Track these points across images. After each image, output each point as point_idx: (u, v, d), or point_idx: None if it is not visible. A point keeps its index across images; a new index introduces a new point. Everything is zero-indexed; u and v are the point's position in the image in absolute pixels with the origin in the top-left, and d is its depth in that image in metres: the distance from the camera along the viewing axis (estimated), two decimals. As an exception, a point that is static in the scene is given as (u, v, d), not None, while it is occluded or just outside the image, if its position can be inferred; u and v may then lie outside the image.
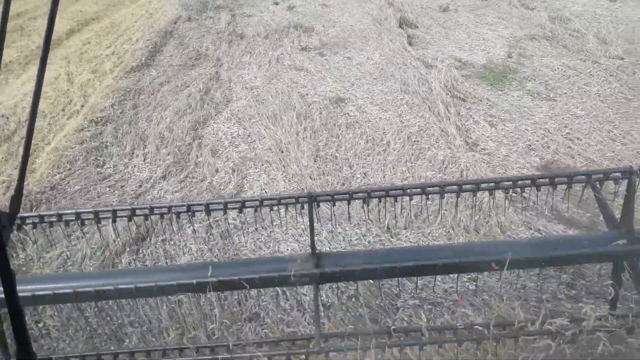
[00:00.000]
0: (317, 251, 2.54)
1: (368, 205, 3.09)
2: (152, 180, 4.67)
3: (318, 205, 2.76)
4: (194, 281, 2.43)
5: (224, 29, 9.34)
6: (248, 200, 2.60)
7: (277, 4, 11.06)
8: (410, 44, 7.89)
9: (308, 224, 2.53)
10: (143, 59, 7.79)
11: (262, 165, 4.79)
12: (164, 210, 2.63)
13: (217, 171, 4.77)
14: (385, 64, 7.11)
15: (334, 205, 2.68)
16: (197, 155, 5.01)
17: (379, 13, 9.60)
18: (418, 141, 5.07)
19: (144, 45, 8.48)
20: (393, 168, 4.63)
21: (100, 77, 7.29)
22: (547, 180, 2.59)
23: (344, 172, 4.62)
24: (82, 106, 6.32)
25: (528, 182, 2.60)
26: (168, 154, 5.03)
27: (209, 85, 6.81)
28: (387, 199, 2.63)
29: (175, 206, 2.63)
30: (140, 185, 4.63)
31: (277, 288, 3.04)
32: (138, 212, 2.64)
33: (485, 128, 5.16)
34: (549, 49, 7.24)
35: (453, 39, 7.99)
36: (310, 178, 4.52)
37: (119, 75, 7.23)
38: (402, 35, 8.19)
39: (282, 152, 5.00)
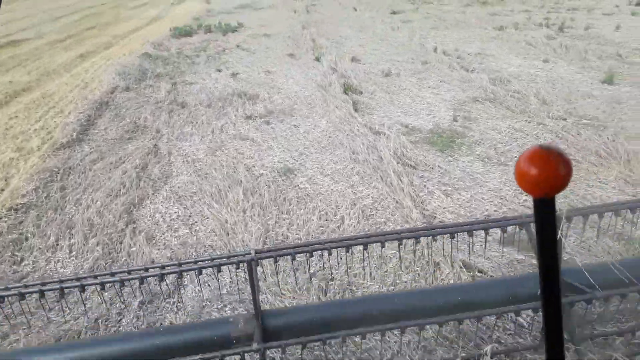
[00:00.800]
0: (261, 311, 2.44)
1: (309, 259, 3.15)
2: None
3: (257, 264, 2.66)
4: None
5: (164, 98, 8.99)
6: (184, 263, 2.54)
7: (219, 70, 10.89)
8: (356, 110, 7.80)
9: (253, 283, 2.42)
10: (74, 133, 7.26)
11: (205, 251, 4.32)
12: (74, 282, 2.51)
13: (152, 262, 4.26)
14: (332, 132, 6.93)
15: (276, 262, 2.69)
16: (130, 244, 4.48)
17: (322, 79, 9.57)
18: (373, 215, 4.78)
19: (77, 118, 7.96)
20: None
21: (25, 155, 6.68)
22: (481, 225, 2.74)
23: (298, 255, 4.22)
24: (2, 190, 5.68)
25: (466, 227, 2.75)
26: (97, 244, 4.48)
27: (147, 160, 6.36)
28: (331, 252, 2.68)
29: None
30: (64, 283, 4.03)
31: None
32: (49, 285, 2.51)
33: (440, 198, 4.95)
34: (493, 111, 7.30)
35: (398, 104, 7.97)
36: (260, 265, 4.09)
37: (47, 152, 6.65)
38: (347, 101, 8.11)
39: (228, 234, 4.57)
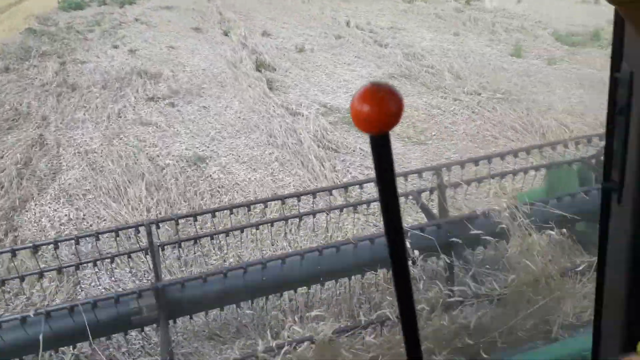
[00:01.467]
0: (161, 282, 2.44)
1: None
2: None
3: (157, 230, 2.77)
4: None
5: (51, 80, 7.93)
6: (82, 237, 2.65)
7: (116, 47, 9.86)
8: (271, 88, 7.31)
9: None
10: (-63, 124, 6.17)
11: (103, 263, 3.72)
12: None
13: (41, 276, 3.60)
14: (247, 113, 6.42)
15: (177, 232, 2.90)
16: (10, 258, 3.76)
17: (233, 55, 8.94)
18: (296, 206, 4.39)
19: (-59, 106, 6.79)
20: (273, 245, 3.88)
21: None
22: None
23: (213, 259, 3.76)
24: None
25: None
26: (-33, 262, 3.72)
27: (30, 153, 5.49)
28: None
29: None
30: None
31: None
32: None
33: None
34: (409, 87, 7.14)
35: (314, 82, 7.59)
36: (170, 273, 3.58)
37: None
38: (260, 79, 7.58)
39: (130, 238, 3.98)
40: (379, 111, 0.49)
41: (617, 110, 0.55)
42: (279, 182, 4.77)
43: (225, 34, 10.56)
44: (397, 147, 5.47)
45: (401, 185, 3.43)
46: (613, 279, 0.67)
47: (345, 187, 3.55)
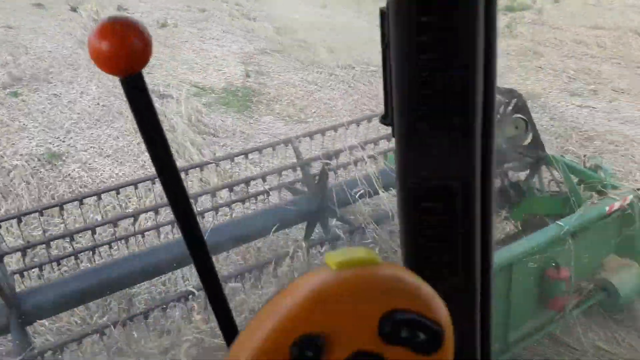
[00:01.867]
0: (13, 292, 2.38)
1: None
2: None
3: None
4: None
5: None
6: None
7: (75, 10, 8.34)
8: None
9: None
10: None
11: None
12: None
13: None
14: (106, 98, 5.75)
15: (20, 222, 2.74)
16: None
17: (84, 34, 7.96)
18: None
19: None
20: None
21: None
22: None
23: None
24: None
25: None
26: None
27: None
28: None
29: None
30: None
31: None
32: None
33: (249, 169, 4.40)
34: (283, 63, 6.93)
35: (181, 60, 7.04)
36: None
37: None
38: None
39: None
40: (122, 47, 0.43)
41: (384, 45, 0.53)
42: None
43: (74, 9, 9.39)
44: (278, 127, 5.27)
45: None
46: (400, 219, 0.64)
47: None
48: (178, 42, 7.72)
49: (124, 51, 0.44)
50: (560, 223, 2.77)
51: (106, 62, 0.44)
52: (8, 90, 5.98)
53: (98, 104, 5.67)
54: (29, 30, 8.29)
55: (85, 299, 2.82)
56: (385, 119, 0.57)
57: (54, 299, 2.57)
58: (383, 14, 0.52)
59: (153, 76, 6.42)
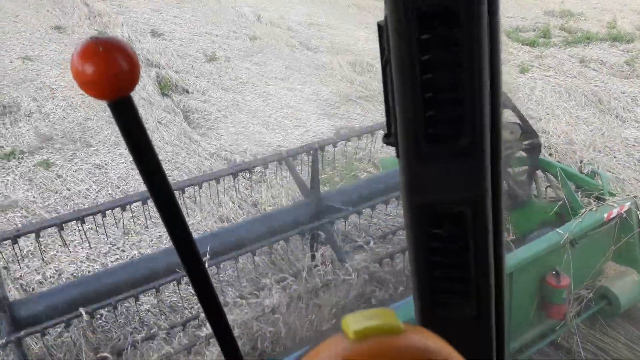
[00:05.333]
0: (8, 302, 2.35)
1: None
2: None
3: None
4: None
5: None
6: None
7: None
8: (190, 124, 5.27)
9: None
10: None
11: None
12: None
13: None
14: (171, 172, 4.38)
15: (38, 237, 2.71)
16: None
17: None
18: None
19: None
20: None
21: None
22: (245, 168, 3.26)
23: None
24: None
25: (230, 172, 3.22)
26: None
27: None
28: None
29: None
30: None
31: None
32: None
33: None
34: (377, 115, 5.57)
35: (248, 111, 5.67)
36: None
37: None
38: (172, 109, 5.48)
39: None
40: (107, 71, 0.40)
41: (384, 61, 0.50)
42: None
43: (101, 35, 8.03)
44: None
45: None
46: (408, 240, 0.60)
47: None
48: (236, 83, 6.35)
49: (111, 74, 0.40)
50: (559, 230, 2.74)
51: (91, 85, 0.40)
52: (37, 157, 4.61)
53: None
54: (51, 62, 6.94)
55: (77, 308, 2.60)
56: (388, 139, 0.55)
57: (46, 307, 2.51)
58: (381, 28, 0.50)
59: (220, 137, 5.06)
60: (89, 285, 2.69)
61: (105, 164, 4.52)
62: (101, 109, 5.54)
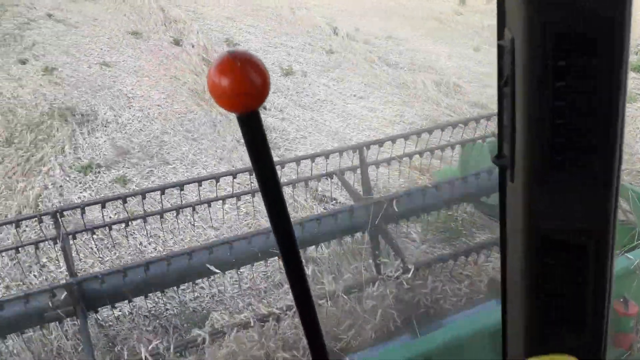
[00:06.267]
0: (77, 277, 2.40)
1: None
2: None
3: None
4: None
5: None
6: None
7: (24, 62, 7.04)
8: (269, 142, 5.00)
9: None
10: None
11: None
12: None
13: None
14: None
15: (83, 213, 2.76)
16: None
17: (195, 80, 6.47)
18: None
19: None
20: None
21: None
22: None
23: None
24: None
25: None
26: None
27: None
28: None
29: None
30: None
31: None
32: None
33: None
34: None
35: (327, 130, 5.35)
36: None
37: None
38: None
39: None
40: (242, 86, 0.43)
41: (503, 81, 0.51)
42: None
43: (177, 42, 7.98)
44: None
45: (322, 163, 3.46)
46: (513, 267, 0.60)
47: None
48: (314, 101, 6.06)
49: (244, 89, 0.43)
50: (629, 255, 2.58)
51: (226, 99, 0.43)
52: (113, 172, 4.46)
53: (247, 213, 4.03)
54: (128, 69, 6.88)
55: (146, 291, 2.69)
56: (499, 160, 0.54)
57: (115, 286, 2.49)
58: (502, 48, 0.50)
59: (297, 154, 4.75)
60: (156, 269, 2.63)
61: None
62: (178, 122, 5.39)
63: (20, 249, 2.88)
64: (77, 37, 8.18)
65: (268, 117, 5.55)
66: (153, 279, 2.61)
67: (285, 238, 0.51)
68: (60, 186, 4.23)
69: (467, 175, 3.27)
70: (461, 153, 3.75)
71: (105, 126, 5.29)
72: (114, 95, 6.06)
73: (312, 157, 3.40)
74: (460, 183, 3.20)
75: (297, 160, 3.47)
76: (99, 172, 4.44)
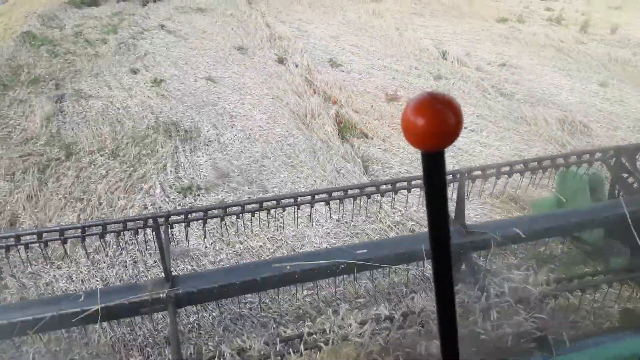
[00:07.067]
0: (172, 275, 2.44)
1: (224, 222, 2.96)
2: None
3: (172, 227, 2.72)
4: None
5: (37, 133, 5.35)
6: (88, 226, 2.48)
7: (135, 72, 7.27)
8: (370, 178, 4.66)
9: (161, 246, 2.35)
10: None
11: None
12: None
13: None
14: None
15: (187, 226, 2.70)
16: None
17: (297, 101, 6.29)
18: None
19: None
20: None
21: None
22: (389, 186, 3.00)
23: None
24: None
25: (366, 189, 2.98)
26: None
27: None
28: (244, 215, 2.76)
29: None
30: None
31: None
32: None
33: None
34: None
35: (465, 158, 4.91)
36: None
37: None
38: (352, 157, 4.94)
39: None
40: (436, 125, 0.46)
41: None
42: None
43: (281, 60, 7.90)
44: None
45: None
46: None
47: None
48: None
49: (437, 129, 0.46)
50: None
51: (417, 137, 0.46)
52: (212, 196, 4.33)
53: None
54: (232, 86, 6.87)
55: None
56: None
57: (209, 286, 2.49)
58: None
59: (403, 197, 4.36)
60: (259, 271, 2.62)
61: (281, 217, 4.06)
62: (278, 146, 5.20)
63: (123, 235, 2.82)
64: (185, 49, 8.37)
65: (370, 147, 5.22)
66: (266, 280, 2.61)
67: (444, 279, 0.56)
68: (160, 207, 4.15)
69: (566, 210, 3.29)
70: (558, 184, 3.58)
71: (207, 145, 5.22)
72: (218, 112, 6.02)
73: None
74: (560, 213, 3.18)
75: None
76: (198, 195, 4.32)
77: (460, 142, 5.37)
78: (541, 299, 2.61)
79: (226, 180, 4.51)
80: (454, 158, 5.04)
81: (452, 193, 3.03)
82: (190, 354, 2.80)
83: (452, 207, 2.99)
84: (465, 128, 5.74)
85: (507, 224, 3.01)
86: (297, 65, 7.49)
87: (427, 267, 3.36)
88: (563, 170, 3.36)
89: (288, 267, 2.56)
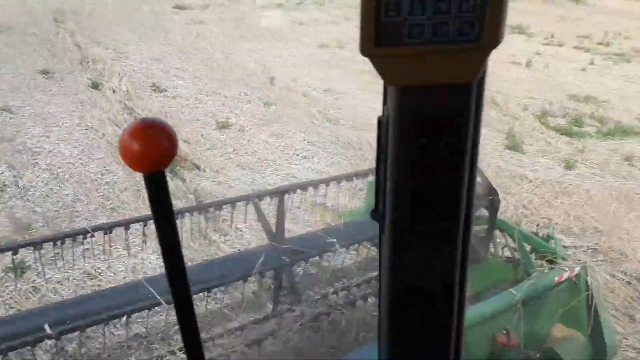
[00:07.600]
0: None
1: None
2: None
3: None
4: None
5: None
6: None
7: (97, 86, 5.88)
8: (206, 217, 4.33)
9: None
10: None
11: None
12: None
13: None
14: None
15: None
16: None
17: (115, 131, 5.66)
18: None
19: None
20: None
21: None
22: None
23: None
24: None
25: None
26: None
27: None
28: None
29: None
30: None
31: None
32: None
33: None
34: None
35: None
36: None
37: None
38: (184, 194, 4.54)
39: None
40: (152, 149, 0.48)
41: (380, 149, 0.58)
42: None
43: (95, 85, 7.12)
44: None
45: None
46: (382, 313, 0.67)
47: None
48: (254, 160, 5.45)
49: (153, 153, 0.48)
50: (512, 290, 2.77)
51: (135, 161, 0.48)
52: (7, 257, 3.56)
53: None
54: (40, 117, 5.98)
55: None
56: (374, 214, 0.61)
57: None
58: (380, 124, 0.57)
59: (242, 234, 4.12)
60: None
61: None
62: (94, 187, 4.57)
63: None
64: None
65: (203, 180, 4.88)
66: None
67: (181, 296, 0.56)
68: None
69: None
70: (367, 195, 3.93)
71: (1, 190, 4.37)
72: (16, 149, 5.12)
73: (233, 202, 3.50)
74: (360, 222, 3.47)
75: (219, 205, 3.56)
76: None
77: (294, 170, 5.33)
78: None
79: (26, 234, 3.78)
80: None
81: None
82: None
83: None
84: (297, 155, 5.73)
85: (323, 236, 3.21)
86: (114, 91, 6.81)
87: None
88: (371, 181, 3.64)
89: None
